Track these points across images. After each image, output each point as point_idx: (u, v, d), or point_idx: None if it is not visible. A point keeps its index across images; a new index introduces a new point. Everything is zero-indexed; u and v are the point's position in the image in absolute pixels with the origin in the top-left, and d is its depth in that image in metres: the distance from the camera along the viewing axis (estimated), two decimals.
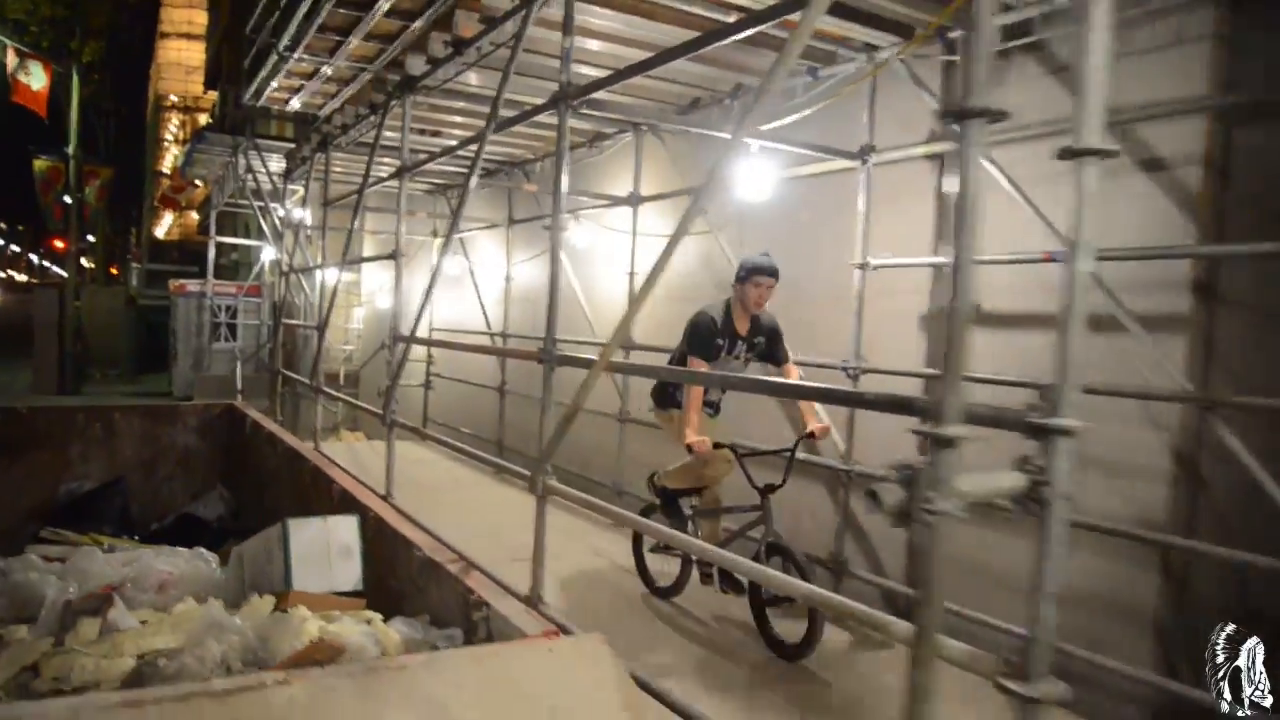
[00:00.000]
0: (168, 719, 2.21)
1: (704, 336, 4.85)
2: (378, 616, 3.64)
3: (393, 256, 6.50)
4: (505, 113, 4.68)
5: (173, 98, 38.12)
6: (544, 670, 2.78)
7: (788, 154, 5.72)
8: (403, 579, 4.10)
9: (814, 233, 6.02)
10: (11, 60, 20.16)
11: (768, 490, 4.64)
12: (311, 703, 2.39)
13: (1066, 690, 1.94)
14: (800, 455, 4.94)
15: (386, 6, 5.86)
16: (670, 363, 5.17)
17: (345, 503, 5.07)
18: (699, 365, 4.79)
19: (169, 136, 38.43)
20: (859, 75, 5.42)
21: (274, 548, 4.02)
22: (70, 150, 21.33)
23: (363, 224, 7.50)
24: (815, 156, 5.62)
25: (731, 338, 4.90)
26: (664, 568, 5.29)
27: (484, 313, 11.09)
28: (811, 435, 4.78)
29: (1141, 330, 3.96)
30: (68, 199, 22.12)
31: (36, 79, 20.74)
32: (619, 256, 7.61)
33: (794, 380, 4.84)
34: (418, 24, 5.75)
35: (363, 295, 17.15)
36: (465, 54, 5.26)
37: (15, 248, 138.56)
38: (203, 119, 33.52)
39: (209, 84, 30.25)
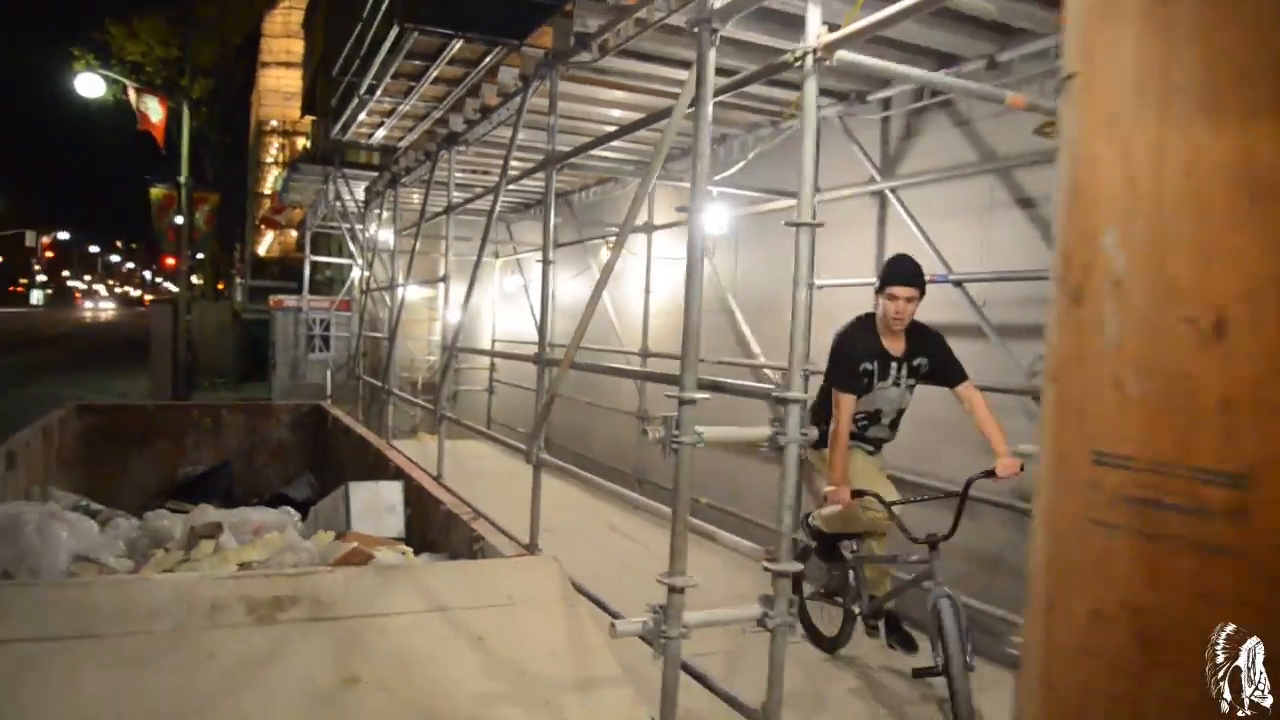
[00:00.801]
0: (256, 584, 3.53)
1: (845, 364, 4.18)
2: (409, 550, 4.95)
3: (443, 280, 7.85)
4: (517, 163, 5.98)
5: (273, 123, 40.48)
6: (510, 573, 4.04)
7: (752, 194, 6.89)
8: (433, 528, 5.42)
9: (783, 257, 7.17)
10: (133, 96, 22.49)
11: (932, 542, 3.89)
12: (347, 582, 3.68)
13: (800, 566, 3.10)
14: (978, 494, 4.33)
15: (447, 59, 7.20)
16: (820, 394, 4.43)
17: (399, 477, 6.41)
18: (846, 401, 4.12)
19: (269, 159, 40.83)
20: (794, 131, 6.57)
21: (339, 503, 5.37)
22: (182, 179, 23.55)
23: (447, 245, 8.86)
24: (768, 197, 6.78)
25: (882, 361, 4.22)
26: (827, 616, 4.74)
27: (535, 325, 12.44)
28: (991, 474, 3.95)
29: (997, 337, 5.01)
30: (179, 219, 24.36)
31: (154, 113, 23.08)
32: (639, 277, 8.86)
33: (978, 405, 4.14)
34: (457, 90, 7.11)
35: (439, 311, 18.72)
36: (490, 117, 6.59)
37: (130, 264, 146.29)
38: (300, 142, 35.59)
39: (305, 109, 32.36)
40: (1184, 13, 1.05)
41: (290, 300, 21.27)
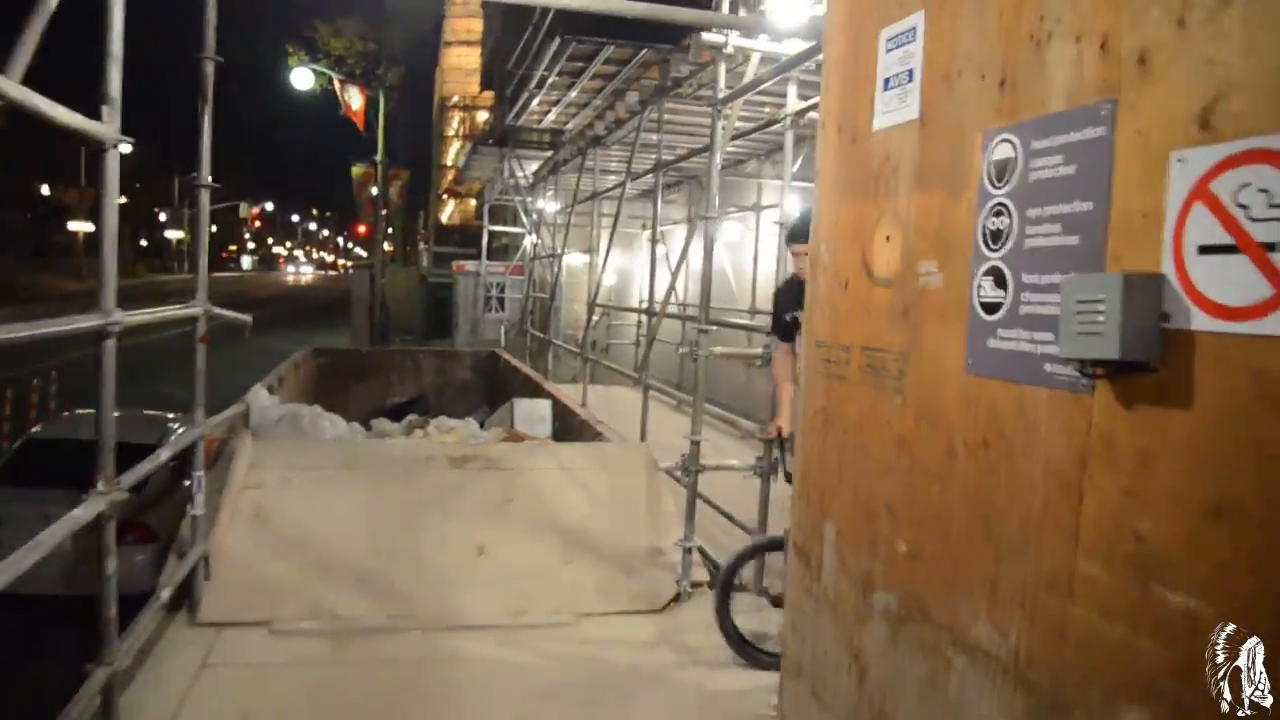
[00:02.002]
0: (452, 449, 5.59)
1: (773, 314, 4.49)
2: (552, 442, 6.98)
3: (588, 252, 9.85)
4: (638, 166, 7.84)
5: (455, 98, 43.54)
6: (613, 452, 5.97)
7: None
8: (571, 433, 7.42)
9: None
10: (338, 87, 25.70)
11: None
12: (507, 449, 5.70)
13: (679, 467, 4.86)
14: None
15: (601, 60, 9.07)
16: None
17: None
18: (781, 349, 4.40)
19: (451, 132, 44.00)
20: None
21: (505, 413, 7.45)
22: (378, 158, 26.67)
23: (594, 223, 10.85)
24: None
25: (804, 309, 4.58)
26: None
27: (674, 288, 14.36)
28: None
29: None
30: (375, 191, 27.51)
31: (354, 100, 26.25)
32: (749, 248, 10.60)
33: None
34: (597, 100, 9.03)
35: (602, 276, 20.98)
36: (622, 127, 8.49)
37: (325, 231, 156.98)
38: (480, 116, 38.35)
39: (484, 84, 35.05)
40: None
41: (470, 265, 24.04)
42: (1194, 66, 1.69)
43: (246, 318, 4.87)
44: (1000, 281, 2.19)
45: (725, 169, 11.97)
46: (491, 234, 25.40)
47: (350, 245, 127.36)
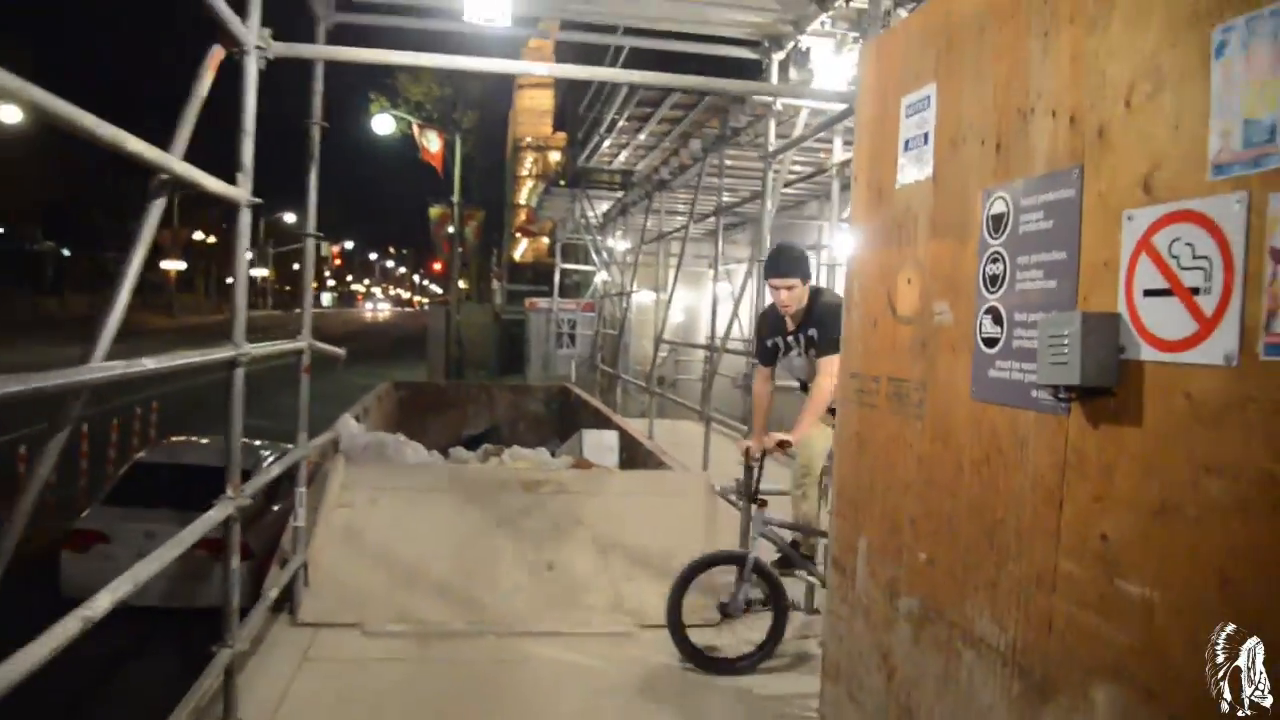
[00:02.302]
0: (525, 474, 6.02)
1: (756, 340, 4.86)
2: (617, 469, 7.38)
3: (656, 289, 10.29)
4: (700, 209, 8.27)
5: (527, 139, 44.67)
6: (675, 479, 6.34)
7: None
8: (636, 463, 7.80)
9: None
10: (416, 132, 26.77)
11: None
12: (576, 475, 6.11)
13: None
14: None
15: (668, 105, 9.56)
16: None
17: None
18: (761, 374, 4.85)
19: (524, 172, 45.13)
20: None
21: (574, 443, 7.88)
22: (455, 199, 27.65)
23: (659, 263, 11.34)
24: None
25: (782, 335, 4.68)
26: None
27: (739, 325, 14.73)
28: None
29: None
30: (451, 229, 28.43)
31: (433, 144, 27.28)
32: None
33: (817, 380, 4.52)
34: (665, 142, 9.50)
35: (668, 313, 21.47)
36: (685, 173, 8.95)
37: (402, 269, 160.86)
38: (552, 156, 39.34)
39: (556, 125, 35.94)
40: None
41: (543, 303, 24.72)
42: (1138, 140, 2.04)
43: (341, 351, 5.38)
44: (998, 319, 2.53)
45: (786, 209, 12.33)
46: (563, 271, 26.12)
47: (426, 282, 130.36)
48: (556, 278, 23.98)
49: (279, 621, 4.49)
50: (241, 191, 3.24)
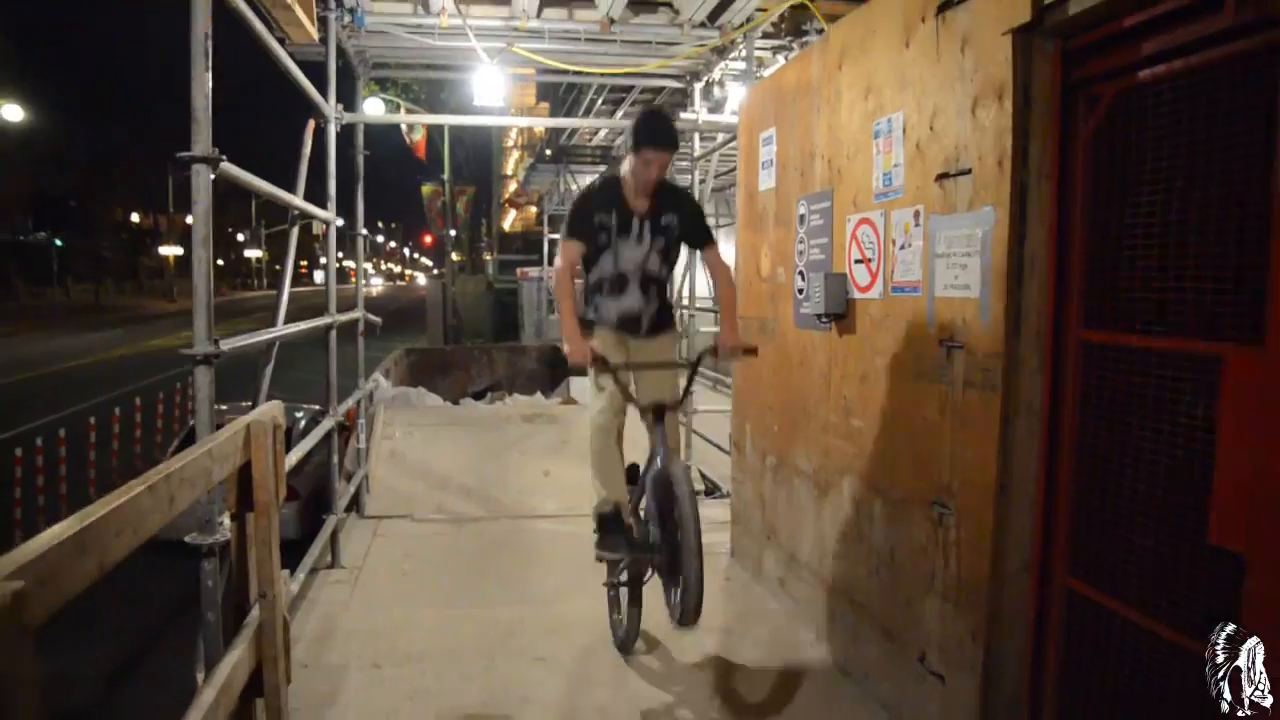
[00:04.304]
0: (523, 409, 7.75)
1: (578, 213, 3.78)
2: None
3: None
4: None
5: (513, 110, 45.46)
6: None
7: None
8: None
9: None
10: (405, 130, 28.11)
11: (658, 411, 3.66)
12: (564, 409, 7.83)
13: None
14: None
15: (638, 91, 11.14)
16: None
17: None
18: (568, 248, 3.72)
19: (510, 143, 46.22)
20: None
21: (564, 388, 9.59)
22: (445, 176, 29.13)
23: None
24: None
25: (622, 215, 3.75)
26: None
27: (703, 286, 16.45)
28: (713, 352, 3.80)
29: None
30: (442, 203, 29.85)
31: (416, 131, 28.63)
32: None
33: (720, 274, 3.92)
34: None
35: None
36: None
37: (392, 243, 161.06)
38: (539, 115, 40.04)
39: (539, 96, 37.13)
40: None
41: (533, 272, 26.28)
42: (851, 178, 3.72)
43: (378, 320, 7.05)
44: (802, 277, 4.23)
45: (729, 189, 13.94)
46: (551, 241, 27.68)
47: (416, 255, 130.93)
48: (545, 247, 25.53)
49: (351, 518, 6.20)
50: (330, 215, 4.95)
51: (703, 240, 3.92)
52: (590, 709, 3.54)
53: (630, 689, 3.71)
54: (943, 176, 3.02)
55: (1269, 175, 2.04)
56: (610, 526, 4.02)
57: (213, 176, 2.68)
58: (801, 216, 4.25)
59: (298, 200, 4.26)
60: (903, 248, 3.31)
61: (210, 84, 2.60)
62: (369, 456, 6.53)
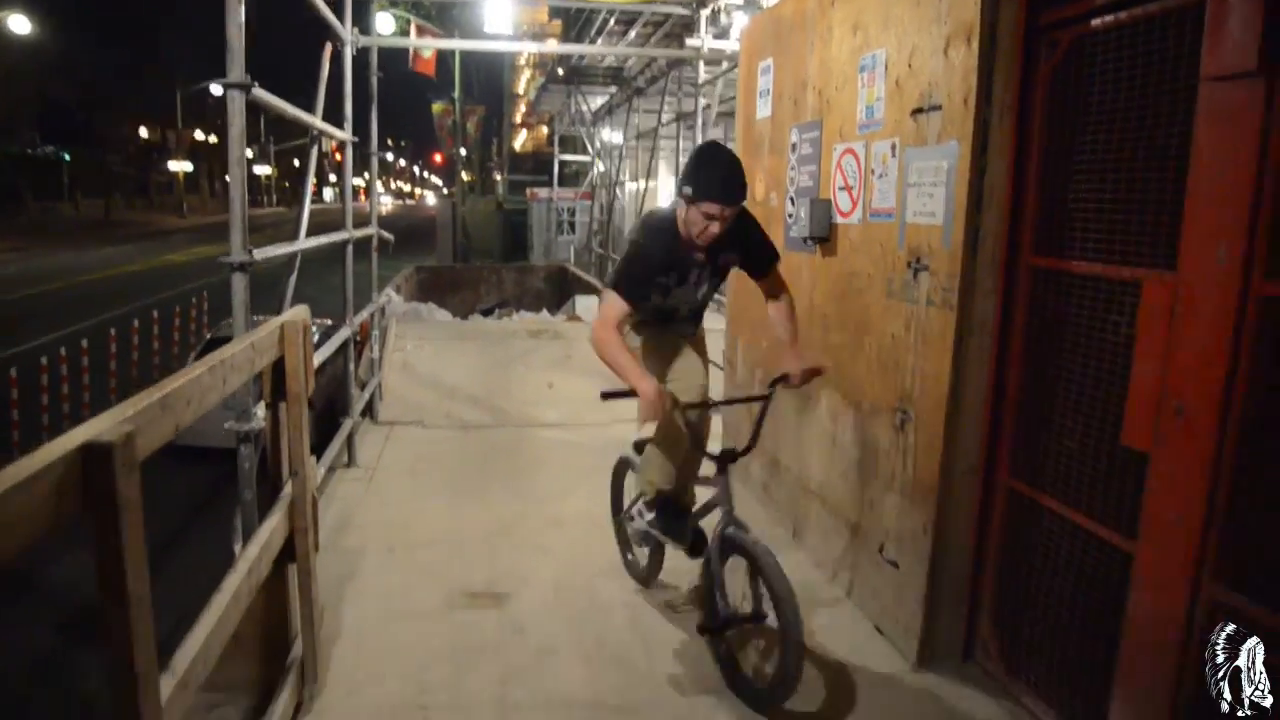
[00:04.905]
0: (529, 325, 8.07)
1: (639, 272, 3.27)
2: None
3: (642, 179, 12.13)
4: (666, 116, 10.06)
5: (525, 26, 44.87)
6: None
7: None
8: None
9: None
10: (414, 32, 27.88)
11: (724, 460, 3.31)
12: (568, 325, 8.13)
13: None
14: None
15: (641, 23, 11.26)
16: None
17: None
18: (619, 308, 3.20)
19: (522, 61, 45.74)
20: None
21: (569, 306, 9.90)
22: (456, 95, 29.02)
23: (637, 159, 13.04)
24: None
25: (681, 270, 3.39)
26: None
27: None
28: (785, 379, 3.39)
29: None
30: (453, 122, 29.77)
31: (426, 50, 28.42)
32: None
33: (779, 305, 3.56)
34: (651, 40, 11.21)
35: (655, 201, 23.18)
36: (654, 85, 10.69)
37: (401, 161, 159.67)
38: (550, 42, 39.83)
39: (552, 14, 36.64)
40: None
41: (543, 193, 26.41)
42: (839, 108, 3.96)
43: (391, 236, 7.32)
44: (792, 202, 4.49)
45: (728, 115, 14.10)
46: (561, 162, 27.70)
47: (426, 174, 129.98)
48: (555, 168, 25.60)
49: (366, 423, 6.57)
50: (346, 134, 5.20)
51: (766, 269, 3.55)
52: (582, 589, 3.92)
53: (625, 579, 4.07)
54: (917, 111, 3.27)
55: (1189, 120, 2.30)
56: (671, 510, 3.62)
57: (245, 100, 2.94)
58: (794, 144, 4.49)
59: (318, 121, 4.51)
60: (880, 177, 3.57)
61: (243, 15, 2.85)
62: (382, 366, 6.87)
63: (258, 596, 2.44)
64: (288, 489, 2.75)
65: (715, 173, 3.13)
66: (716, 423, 3.91)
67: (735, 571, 3.21)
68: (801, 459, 4.40)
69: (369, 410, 6.63)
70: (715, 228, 3.15)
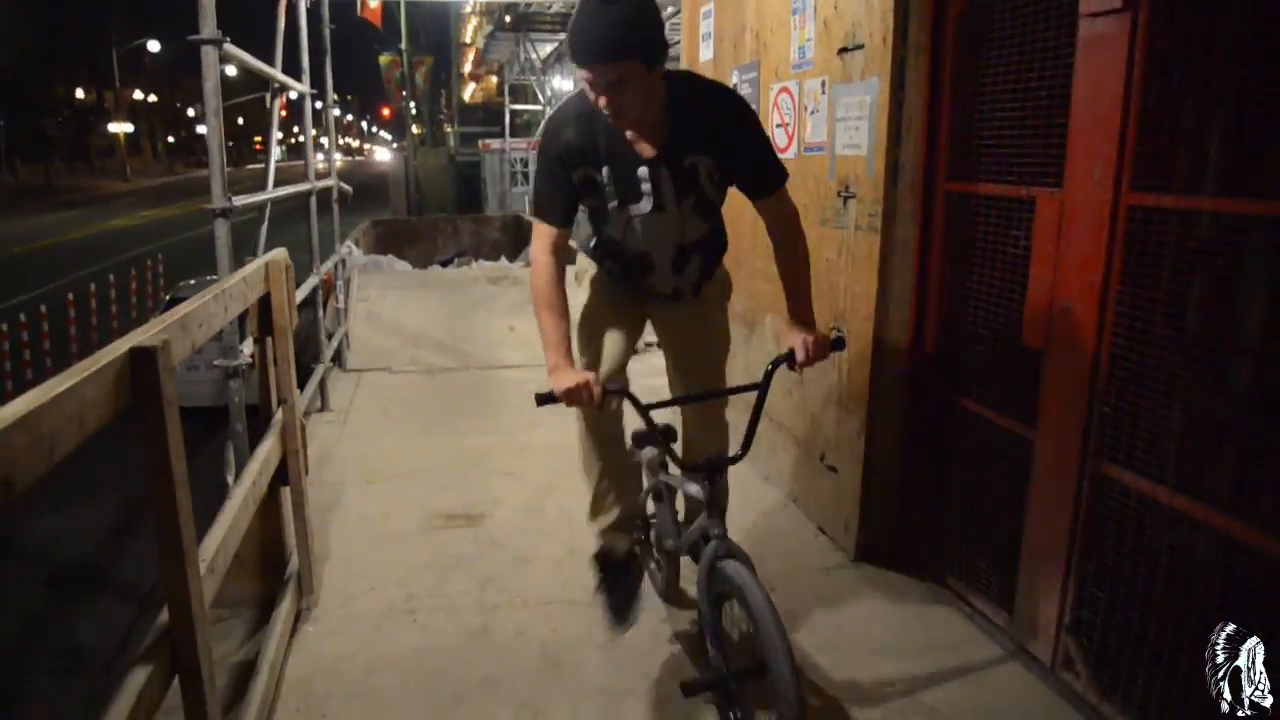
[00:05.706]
0: (489, 272, 8.30)
1: (546, 175, 2.47)
2: None
3: None
4: None
5: None
6: None
7: None
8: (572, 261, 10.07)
9: None
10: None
11: (712, 470, 2.59)
12: (527, 272, 8.36)
13: None
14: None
15: None
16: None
17: None
18: (543, 235, 2.51)
19: (468, 8, 45.10)
20: None
21: (527, 253, 10.10)
22: (403, 46, 28.70)
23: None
24: None
25: (619, 165, 2.44)
26: None
27: None
28: (788, 360, 2.56)
29: None
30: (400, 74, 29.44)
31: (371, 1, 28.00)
32: None
33: (785, 250, 2.71)
34: None
35: None
36: None
37: (349, 116, 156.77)
38: None
39: None
40: None
41: (495, 144, 26.34)
42: (774, 50, 4.22)
43: (349, 188, 7.48)
44: None
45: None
46: (513, 112, 27.58)
47: (374, 129, 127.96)
48: (507, 119, 25.53)
49: (336, 371, 6.80)
50: (304, 86, 5.37)
51: (761, 188, 2.60)
52: (552, 507, 4.24)
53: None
54: (843, 50, 3.54)
55: (1071, 54, 2.60)
56: (619, 577, 2.85)
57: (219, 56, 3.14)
58: (735, 85, 4.75)
59: (279, 74, 4.68)
60: (813, 113, 3.85)
61: None
62: (348, 316, 7.09)
63: (255, 519, 2.72)
64: (279, 415, 3.02)
65: (579, 21, 2.16)
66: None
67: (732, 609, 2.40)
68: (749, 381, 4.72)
69: (337, 358, 6.85)
70: (607, 103, 2.21)
